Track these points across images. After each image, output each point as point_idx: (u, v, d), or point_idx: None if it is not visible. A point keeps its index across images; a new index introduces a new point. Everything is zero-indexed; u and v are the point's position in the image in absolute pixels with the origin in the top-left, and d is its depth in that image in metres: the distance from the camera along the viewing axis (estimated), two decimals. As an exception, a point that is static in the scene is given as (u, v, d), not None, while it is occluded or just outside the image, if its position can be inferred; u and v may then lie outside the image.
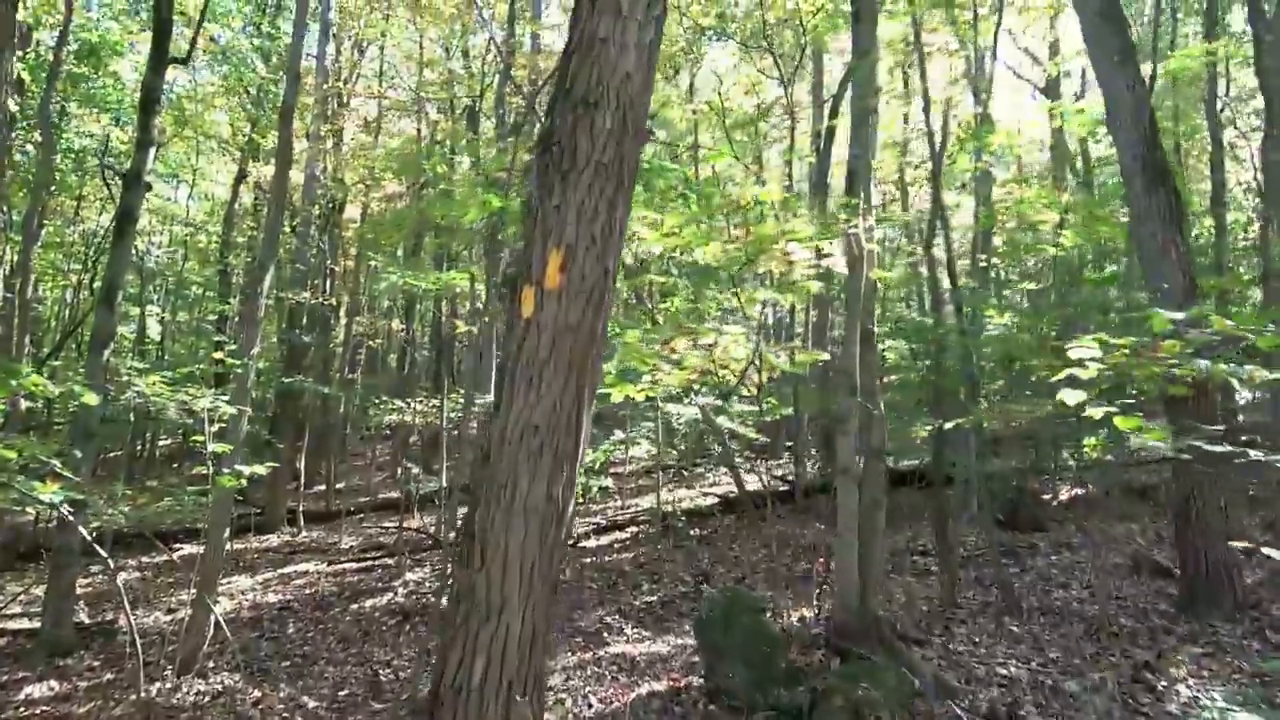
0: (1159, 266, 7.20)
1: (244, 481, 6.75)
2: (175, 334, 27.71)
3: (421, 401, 18.94)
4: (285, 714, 6.24)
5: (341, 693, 6.77)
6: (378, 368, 31.90)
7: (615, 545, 12.55)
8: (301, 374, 18.63)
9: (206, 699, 6.58)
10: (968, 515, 10.92)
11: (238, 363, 7.44)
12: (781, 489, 15.08)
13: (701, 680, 6.00)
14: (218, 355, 7.28)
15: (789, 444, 21.51)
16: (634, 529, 13.54)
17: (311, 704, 6.48)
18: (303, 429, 20.04)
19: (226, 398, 7.15)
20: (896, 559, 10.09)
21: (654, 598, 9.24)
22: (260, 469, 6.84)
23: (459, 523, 15.72)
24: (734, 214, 6.31)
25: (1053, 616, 7.28)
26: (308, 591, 10.95)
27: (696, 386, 7.27)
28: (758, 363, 7.66)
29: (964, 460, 10.08)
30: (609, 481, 13.77)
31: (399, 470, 28.60)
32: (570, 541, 12.71)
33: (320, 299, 20.15)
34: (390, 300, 30.49)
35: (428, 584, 10.76)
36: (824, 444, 15.70)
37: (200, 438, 6.92)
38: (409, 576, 11.23)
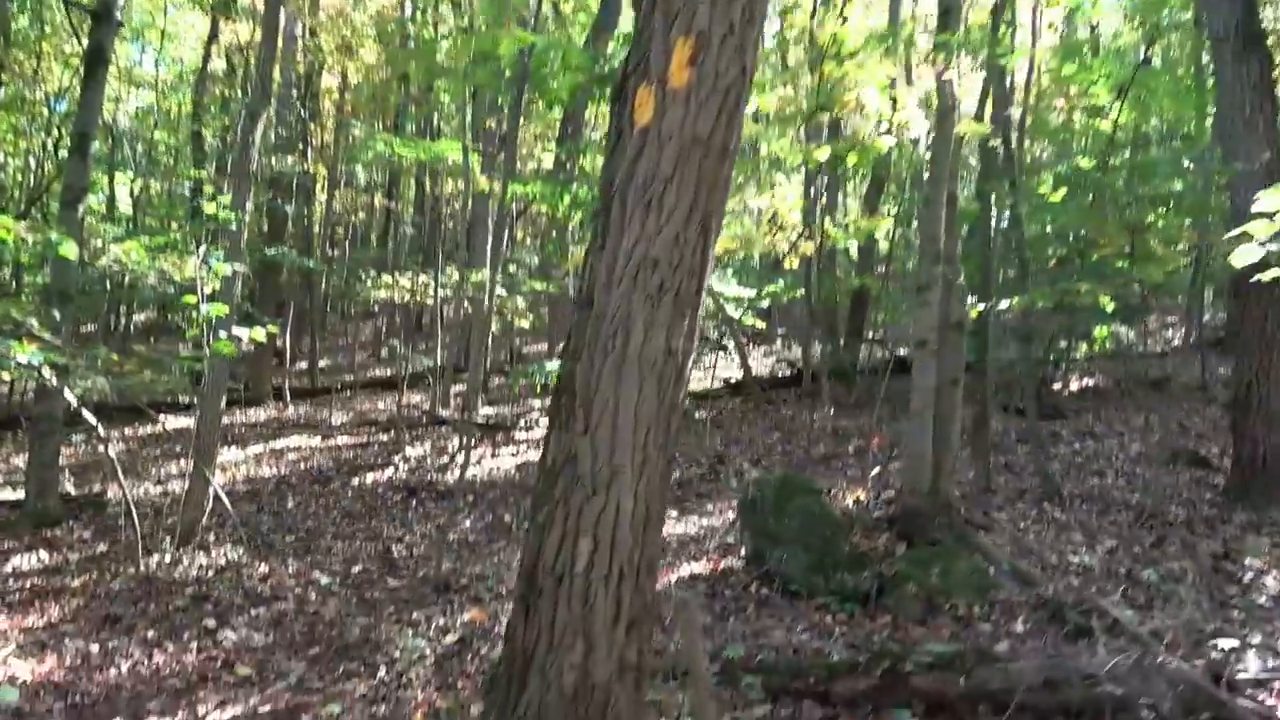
0: (1243, 141, 6.64)
1: (250, 346, 6.17)
2: (148, 207, 26.41)
3: (409, 277, 18.20)
4: (297, 589, 5.86)
5: (354, 568, 6.39)
6: (357, 245, 30.93)
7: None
8: (283, 246, 17.78)
9: (210, 573, 6.17)
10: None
11: (229, 215, 6.76)
12: (787, 374, 14.74)
13: (743, 563, 5.66)
14: (209, 207, 6.57)
15: (782, 330, 21.15)
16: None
17: (323, 579, 6.10)
18: (284, 305, 19.33)
19: (220, 254, 6.48)
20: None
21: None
22: (260, 335, 6.25)
23: (455, 399, 15.37)
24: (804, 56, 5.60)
25: (1096, 503, 7.00)
26: (303, 466, 10.54)
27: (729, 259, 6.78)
28: (808, 231, 7.08)
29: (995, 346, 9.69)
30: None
31: (384, 349, 28.12)
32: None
33: (301, 166, 19.12)
34: (371, 175, 29.28)
35: (429, 460, 10.37)
36: (828, 331, 15.29)
37: (191, 301, 6.29)
38: (410, 452, 10.82)
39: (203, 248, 6.33)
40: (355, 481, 9.45)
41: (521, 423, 12.44)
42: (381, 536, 7.28)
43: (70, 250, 6.23)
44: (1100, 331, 13.71)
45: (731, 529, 6.66)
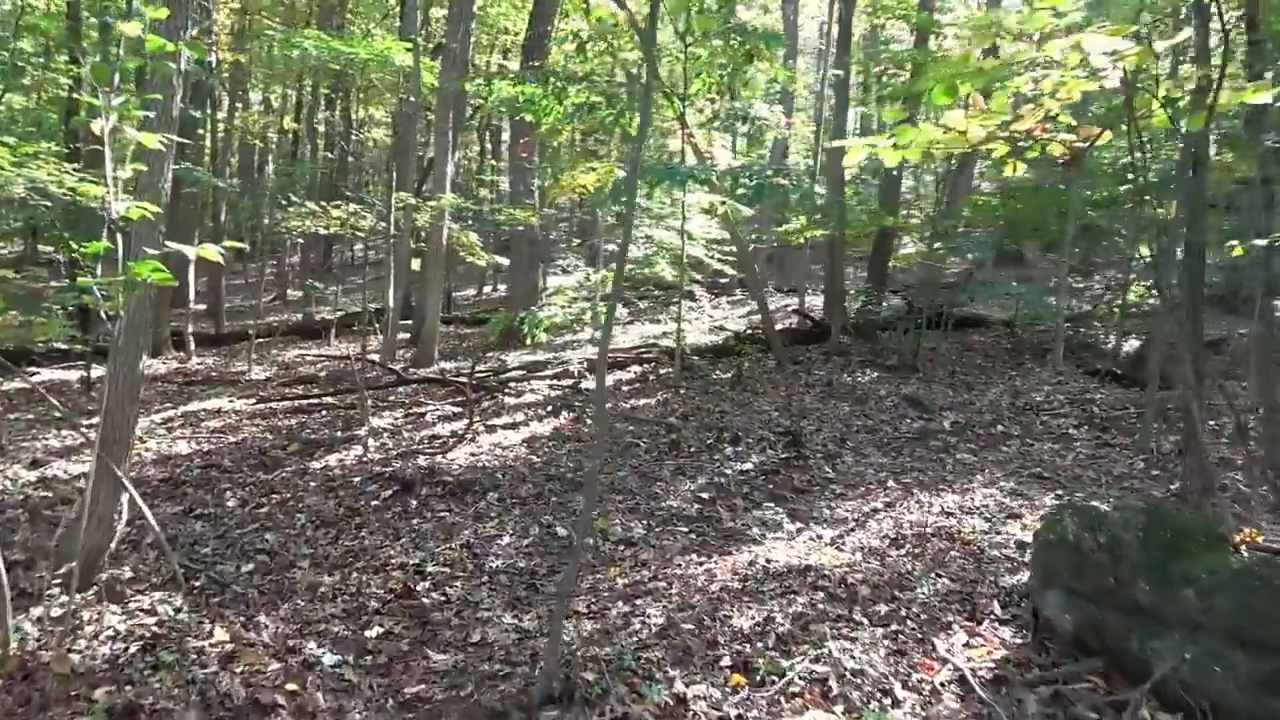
0: None
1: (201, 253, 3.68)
2: (8, 123, 22.26)
3: (338, 207, 15.23)
4: (287, 683, 3.49)
5: (369, 631, 4.04)
6: (260, 174, 27.43)
7: (624, 388, 9.97)
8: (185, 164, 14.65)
9: (132, 650, 3.72)
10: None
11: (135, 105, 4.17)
12: (808, 327, 12.72)
13: (1040, 645, 3.58)
14: (127, 27, 3.94)
15: (772, 281, 19.11)
16: (638, 368, 10.96)
17: (326, 657, 3.74)
18: (190, 234, 16.19)
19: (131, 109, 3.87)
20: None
21: (747, 465, 6.76)
22: (212, 252, 3.76)
23: (400, 352, 12.80)
24: None
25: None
26: (234, 440, 7.97)
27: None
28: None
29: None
30: (622, 311, 11.01)
31: (293, 289, 24.88)
32: (570, 383, 10.04)
33: (205, 68, 15.87)
34: (285, 90, 25.79)
35: (406, 434, 7.93)
36: (830, 277, 13.32)
37: (90, 193, 3.75)
38: (376, 422, 8.35)
39: (112, 112, 3.72)
40: (316, 465, 6.98)
41: (511, 386, 10.04)
42: (385, 562, 4.91)
43: None
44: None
45: (987, 569, 4.57)
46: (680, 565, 4.82)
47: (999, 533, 5.17)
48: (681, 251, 10.12)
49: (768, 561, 4.69)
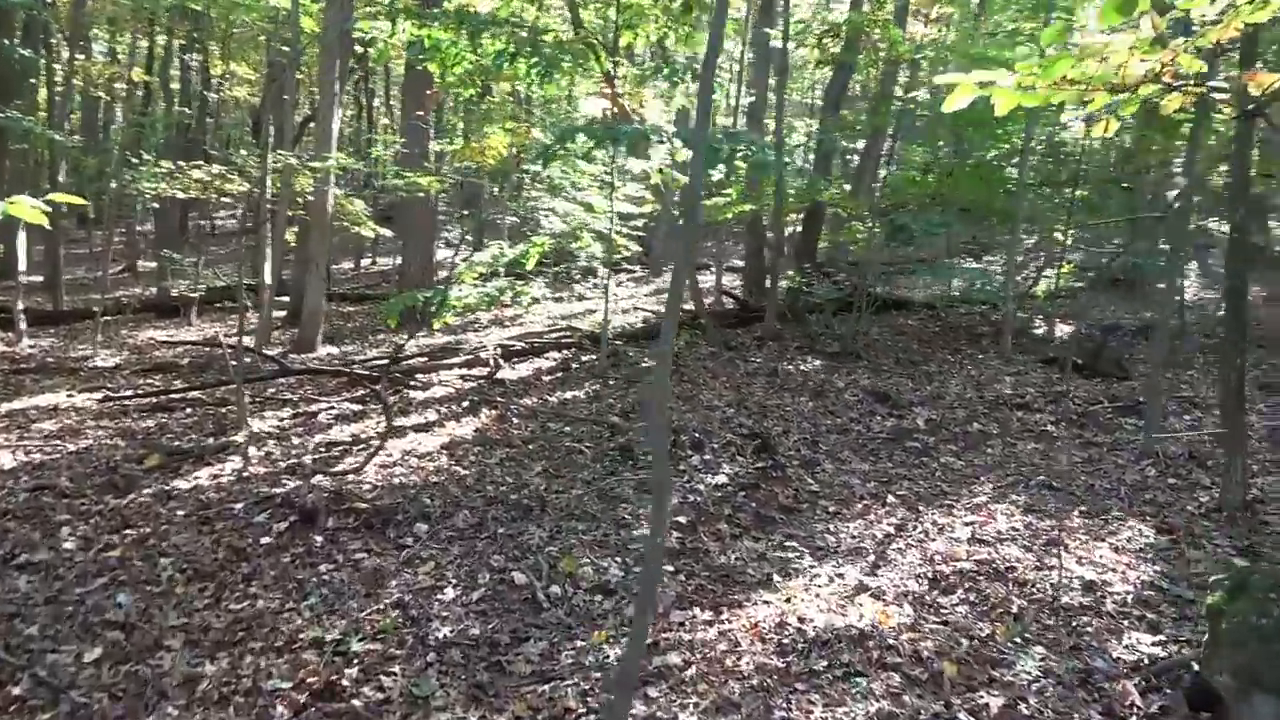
0: None
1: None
2: None
3: (199, 168, 13.27)
4: None
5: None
6: (109, 131, 24.58)
7: (546, 378, 8.80)
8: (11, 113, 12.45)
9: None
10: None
11: None
12: (735, 309, 11.80)
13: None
14: None
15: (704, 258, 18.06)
16: (557, 355, 9.78)
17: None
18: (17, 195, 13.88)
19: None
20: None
21: (719, 477, 5.75)
22: (25, 210, 2.44)
23: (285, 328, 11.17)
24: None
25: None
26: (74, 450, 6.40)
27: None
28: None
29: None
30: (542, 291, 9.78)
31: (144, 260, 22.34)
32: (486, 372, 8.80)
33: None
34: (134, 38, 23.05)
35: (297, 440, 6.53)
36: (755, 254, 12.45)
37: None
38: (258, 426, 6.90)
39: None
40: (183, 486, 5.54)
41: (417, 376, 8.70)
42: (291, 637, 3.64)
43: None
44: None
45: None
46: (685, 626, 3.75)
47: (1048, 566, 4.32)
48: (611, 223, 8.99)
49: (801, 621, 3.68)
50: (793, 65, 16.66)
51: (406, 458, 6.11)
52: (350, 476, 5.58)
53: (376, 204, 19.95)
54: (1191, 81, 2.80)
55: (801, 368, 9.04)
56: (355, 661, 3.43)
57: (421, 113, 11.92)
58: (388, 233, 15.36)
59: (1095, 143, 13.96)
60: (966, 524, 4.99)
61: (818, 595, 3.99)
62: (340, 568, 4.32)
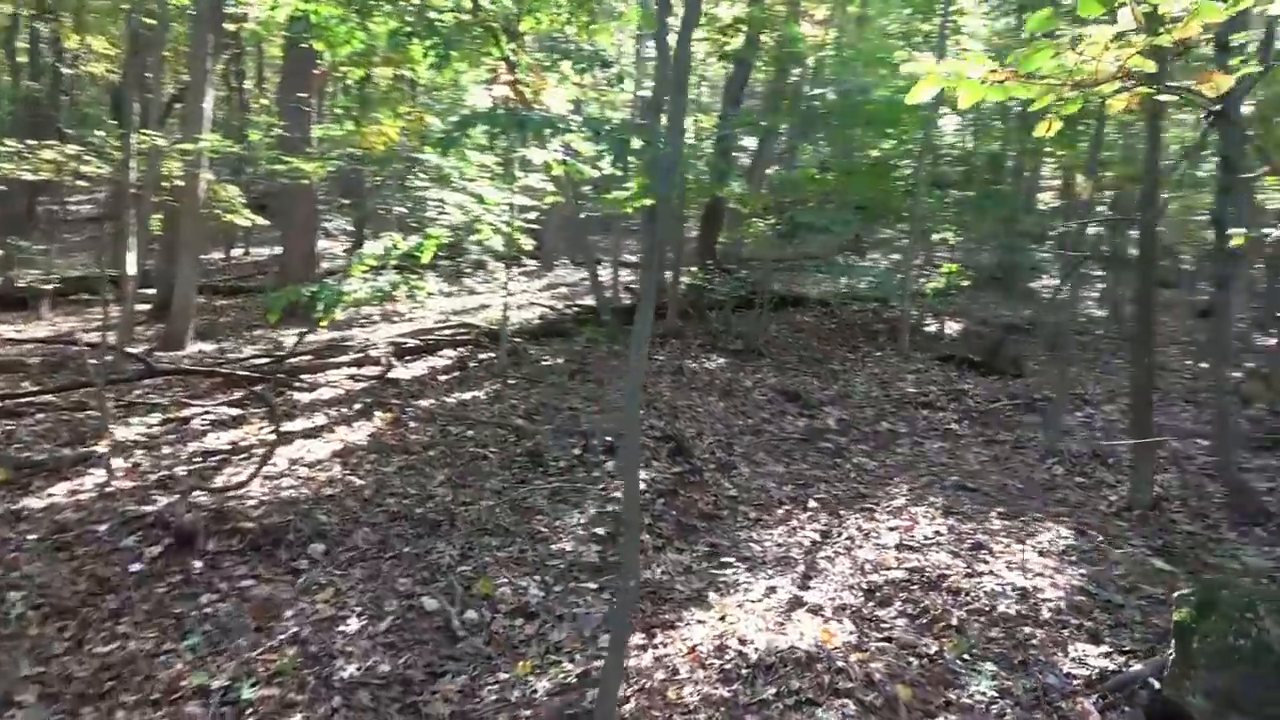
0: None
1: None
2: None
3: (50, 148, 12.12)
4: None
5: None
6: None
7: (442, 377, 8.37)
8: None
9: None
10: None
11: None
12: (627, 303, 11.55)
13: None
14: None
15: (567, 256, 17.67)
16: (453, 353, 9.33)
17: None
18: None
19: None
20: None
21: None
22: None
23: (150, 323, 10.27)
24: None
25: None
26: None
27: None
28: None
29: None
30: (436, 285, 9.27)
31: (2, 248, 20.47)
32: (378, 372, 8.30)
33: None
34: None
35: (169, 449, 5.91)
36: (650, 248, 12.26)
37: None
38: (122, 434, 6.22)
39: None
40: (35, 504, 4.89)
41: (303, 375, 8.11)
42: (171, 685, 3.18)
43: None
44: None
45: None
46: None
47: (978, 572, 4.24)
48: (511, 215, 8.61)
49: (741, 643, 3.45)
50: (693, 59, 16.53)
51: (295, 468, 5.60)
52: (232, 491, 5.05)
53: (249, 191, 18.84)
54: (1149, 82, 2.70)
55: (707, 365, 8.89)
56: (249, 711, 3.02)
57: (304, 94, 11.20)
58: (264, 221, 14.45)
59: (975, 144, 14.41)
60: (891, 529, 4.89)
61: (753, 612, 3.78)
62: (225, 598, 3.85)
